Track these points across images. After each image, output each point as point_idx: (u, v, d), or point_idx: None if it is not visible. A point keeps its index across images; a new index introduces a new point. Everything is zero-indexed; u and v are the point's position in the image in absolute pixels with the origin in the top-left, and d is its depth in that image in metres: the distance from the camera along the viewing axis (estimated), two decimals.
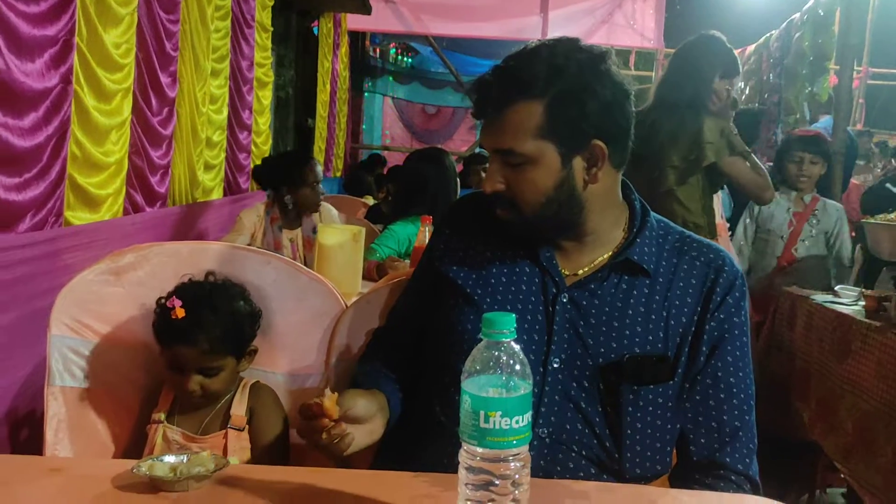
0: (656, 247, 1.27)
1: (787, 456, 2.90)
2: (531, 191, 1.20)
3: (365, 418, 1.18)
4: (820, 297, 2.97)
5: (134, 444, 1.57)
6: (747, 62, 6.40)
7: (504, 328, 0.86)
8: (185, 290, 1.52)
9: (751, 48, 6.56)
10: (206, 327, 1.47)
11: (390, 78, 13.31)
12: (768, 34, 6.28)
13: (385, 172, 6.89)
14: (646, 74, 9.97)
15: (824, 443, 2.77)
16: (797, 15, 5.71)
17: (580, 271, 1.26)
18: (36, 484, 1.04)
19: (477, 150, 8.08)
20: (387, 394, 1.27)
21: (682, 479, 1.22)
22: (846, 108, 4.72)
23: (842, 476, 2.76)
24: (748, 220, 3.66)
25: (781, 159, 3.63)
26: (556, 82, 1.16)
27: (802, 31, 5.53)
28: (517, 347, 0.87)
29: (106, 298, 1.60)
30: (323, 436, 1.07)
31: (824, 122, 5.39)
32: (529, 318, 1.23)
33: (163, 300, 1.51)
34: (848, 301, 2.85)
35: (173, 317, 1.46)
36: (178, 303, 1.47)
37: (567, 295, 1.24)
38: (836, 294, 2.95)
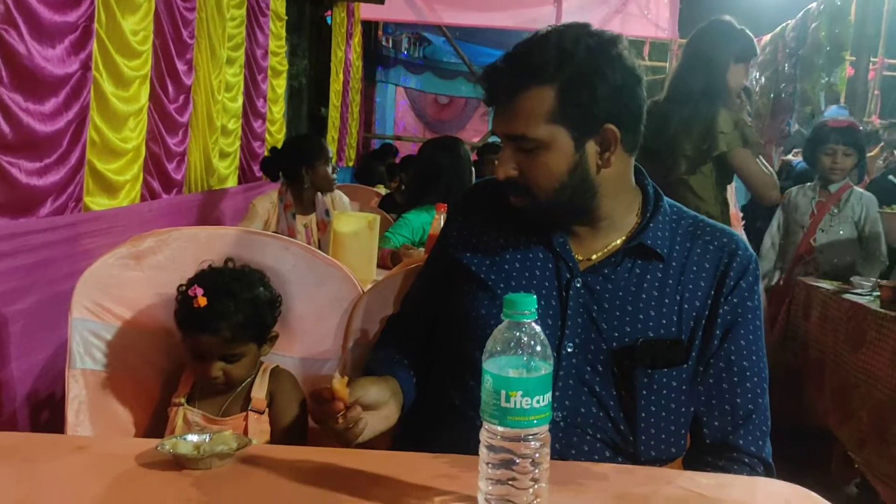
0: (669, 231, 1.27)
1: (802, 445, 2.90)
2: (545, 176, 1.20)
3: (378, 405, 1.19)
4: (835, 288, 2.97)
5: (154, 427, 1.58)
6: (763, 52, 6.35)
7: (525, 309, 0.87)
8: (206, 278, 1.52)
9: (766, 38, 6.52)
10: (228, 315, 1.47)
11: (403, 68, 13.29)
12: (784, 24, 6.23)
13: (397, 162, 6.90)
14: (660, 65, 9.90)
15: (838, 432, 2.77)
16: (814, 4, 5.66)
17: (594, 256, 1.27)
18: (62, 461, 1.05)
19: (490, 139, 8.07)
20: (400, 379, 1.28)
21: (694, 461, 1.23)
22: (861, 100, 4.69)
23: (856, 466, 2.76)
24: (779, 212, 3.63)
25: (814, 151, 3.53)
26: (566, 67, 1.16)
27: (819, 21, 5.49)
28: (538, 328, 0.88)
29: (126, 282, 1.62)
30: (338, 420, 1.08)
31: (831, 112, 5.35)
32: (543, 303, 1.23)
33: (184, 287, 1.51)
34: (863, 291, 2.84)
35: (195, 305, 1.47)
36: (199, 291, 1.47)
37: (581, 280, 1.24)
38: (851, 284, 2.94)
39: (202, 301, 1.47)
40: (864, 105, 5.26)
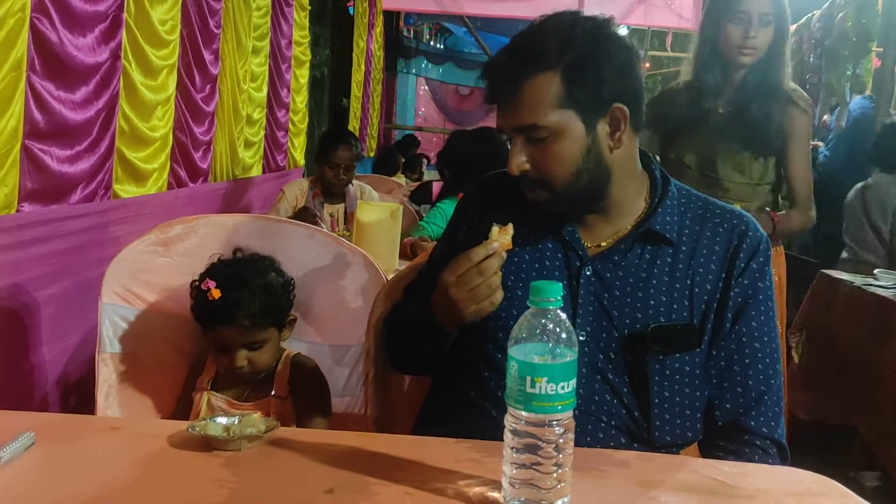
0: (678, 215, 1.26)
1: (823, 437, 2.89)
2: (560, 164, 1.19)
3: None
4: (860, 281, 2.95)
5: (180, 410, 1.61)
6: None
7: (551, 296, 0.87)
8: (217, 271, 1.54)
9: (792, 28, 6.42)
10: (244, 304, 1.49)
11: (424, 58, 13.26)
12: (810, 14, 6.14)
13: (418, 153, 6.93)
14: (683, 55, 9.76)
15: (860, 426, 2.75)
16: None
17: (603, 243, 1.26)
18: (97, 440, 1.08)
19: None
20: None
21: (707, 446, 1.23)
22: (888, 91, 4.63)
23: (877, 460, 2.75)
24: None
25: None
26: (568, 50, 1.16)
27: (845, 11, 5.40)
28: (563, 315, 0.88)
29: (155, 268, 1.65)
30: (492, 277, 1.11)
31: (855, 104, 5.27)
32: None
33: (196, 283, 1.53)
34: (889, 284, 2.82)
35: (209, 298, 1.48)
36: (212, 284, 1.49)
37: (591, 267, 1.23)
38: (875, 277, 2.92)
39: (216, 294, 1.48)
40: (890, 97, 5.17)
